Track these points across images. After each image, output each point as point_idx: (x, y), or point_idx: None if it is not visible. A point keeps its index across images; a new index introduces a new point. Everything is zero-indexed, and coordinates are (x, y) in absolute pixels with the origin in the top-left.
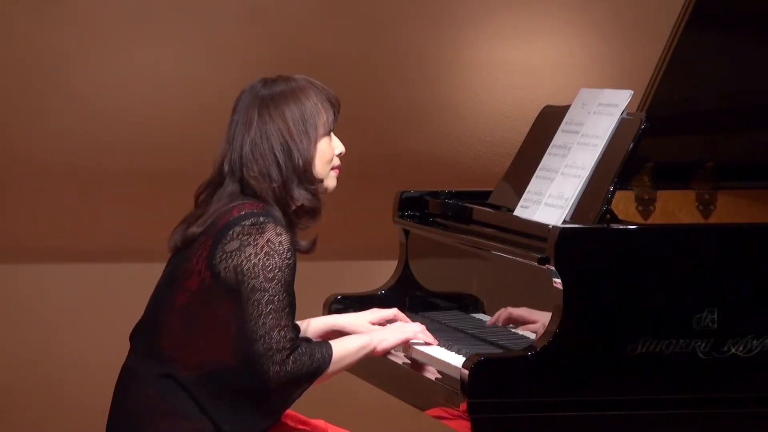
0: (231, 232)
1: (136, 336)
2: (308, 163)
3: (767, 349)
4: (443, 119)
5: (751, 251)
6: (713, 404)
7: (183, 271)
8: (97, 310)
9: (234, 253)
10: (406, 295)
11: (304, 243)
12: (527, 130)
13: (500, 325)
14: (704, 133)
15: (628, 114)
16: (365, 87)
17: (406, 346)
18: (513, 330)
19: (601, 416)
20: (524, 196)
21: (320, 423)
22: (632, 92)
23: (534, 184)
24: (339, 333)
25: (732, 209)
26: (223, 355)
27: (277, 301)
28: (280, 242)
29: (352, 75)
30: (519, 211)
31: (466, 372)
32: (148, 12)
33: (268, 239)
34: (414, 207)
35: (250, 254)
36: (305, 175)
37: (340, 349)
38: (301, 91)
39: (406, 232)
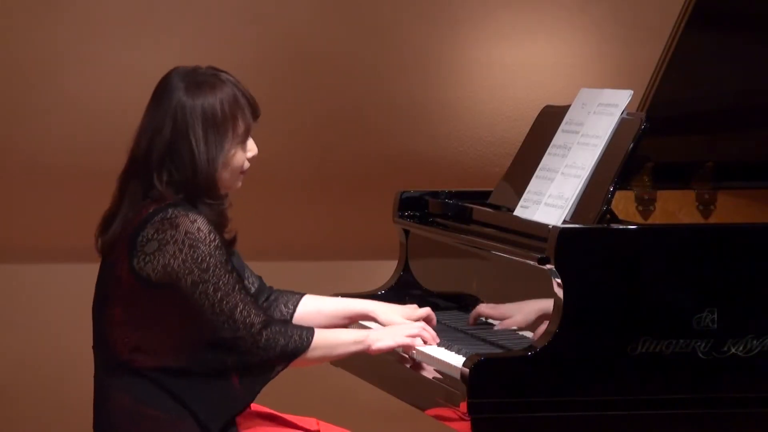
0: (144, 233)
1: (95, 347)
2: (212, 179)
3: (767, 349)
4: (443, 119)
5: (751, 251)
6: (713, 404)
7: (113, 281)
8: None
9: (156, 254)
10: (406, 295)
11: (225, 236)
12: (527, 130)
13: (471, 323)
14: (704, 133)
15: (628, 114)
16: (365, 87)
17: (406, 346)
18: (513, 330)
19: (601, 416)
20: (524, 196)
21: (311, 421)
22: (632, 92)
23: (534, 184)
24: (371, 320)
25: (732, 209)
26: (183, 346)
27: (224, 285)
28: (198, 228)
29: (352, 75)
30: (519, 211)
31: (466, 372)
32: (147, 12)
33: (186, 231)
34: (414, 207)
35: (174, 252)
36: (209, 191)
37: (331, 337)
38: (223, 95)
39: (406, 232)
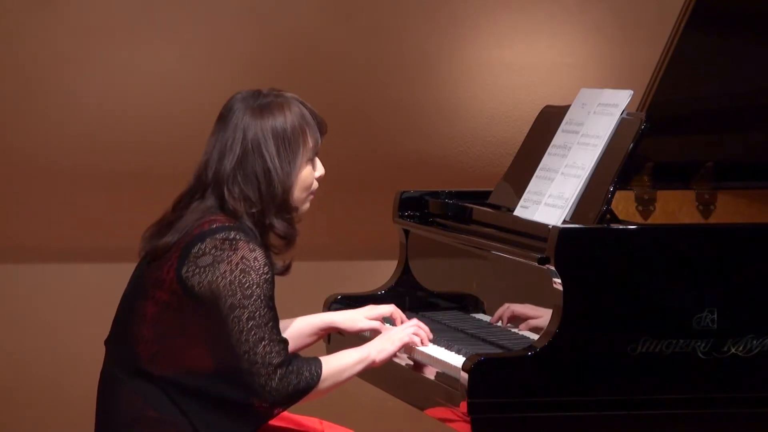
0: (202, 245)
1: (111, 343)
2: (287, 193)
3: (767, 349)
4: (444, 119)
5: (751, 251)
6: (713, 404)
7: (153, 280)
8: (96, 310)
9: (207, 268)
10: (406, 295)
11: (279, 265)
12: (527, 130)
13: (504, 323)
14: (704, 133)
15: (628, 114)
16: (365, 87)
17: (406, 346)
18: (513, 330)
19: (601, 416)
20: (524, 196)
21: (315, 422)
22: (632, 92)
23: (534, 184)
24: (336, 330)
25: (732, 209)
26: (202, 364)
27: (259, 317)
28: (255, 258)
29: (352, 75)
30: (519, 211)
31: (466, 372)
32: (147, 12)
33: (243, 256)
34: (414, 207)
35: (225, 271)
36: (283, 205)
37: (335, 364)
38: (290, 112)
39: (406, 232)
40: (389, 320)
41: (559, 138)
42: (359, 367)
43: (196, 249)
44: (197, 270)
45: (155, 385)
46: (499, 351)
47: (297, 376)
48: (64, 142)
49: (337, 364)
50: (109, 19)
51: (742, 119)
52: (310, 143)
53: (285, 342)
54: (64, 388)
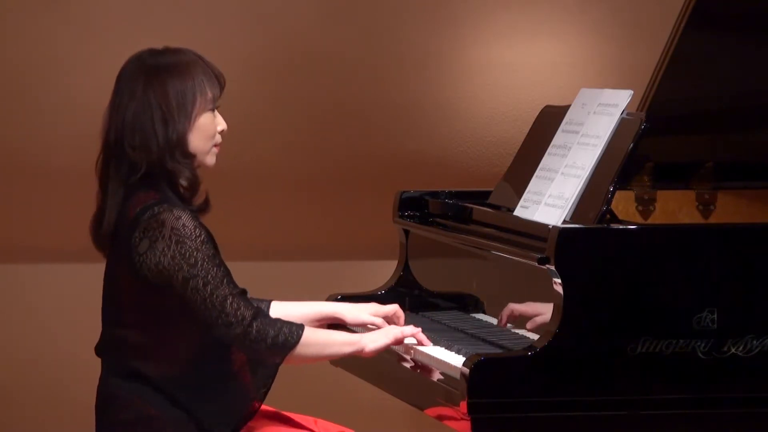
0: (136, 234)
1: (102, 352)
2: (182, 137)
3: (767, 349)
4: (443, 119)
5: (751, 251)
6: (713, 404)
7: (117, 289)
8: (96, 310)
9: (148, 252)
10: (406, 295)
11: (198, 203)
12: (527, 130)
13: (503, 322)
14: (704, 133)
15: (628, 114)
16: (365, 87)
17: (406, 346)
18: (513, 330)
19: (601, 416)
20: (524, 196)
21: (310, 422)
22: (632, 92)
23: (534, 184)
24: (338, 320)
25: (732, 209)
26: (188, 346)
27: (212, 278)
28: (183, 225)
29: (352, 75)
30: (519, 211)
31: (466, 372)
32: (147, 12)
33: (172, 227)
34: (414, 207)
35: (163, 248)
36: (178, 149)
37: (323, 335)
38: (187, 65)
39: (406, 232)
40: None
41: (559, 138)
42: (347, 349)
43: (133, 239)
44: (141, 258)
45: (153, 387)
46: (499, 351)
47: (275, 330)
48: (63, 142)
49: (324, 336)
50: (109, 19)
51: (742, 119)
52: (209, 94)
53: (245, 291)
54: (64, 388)
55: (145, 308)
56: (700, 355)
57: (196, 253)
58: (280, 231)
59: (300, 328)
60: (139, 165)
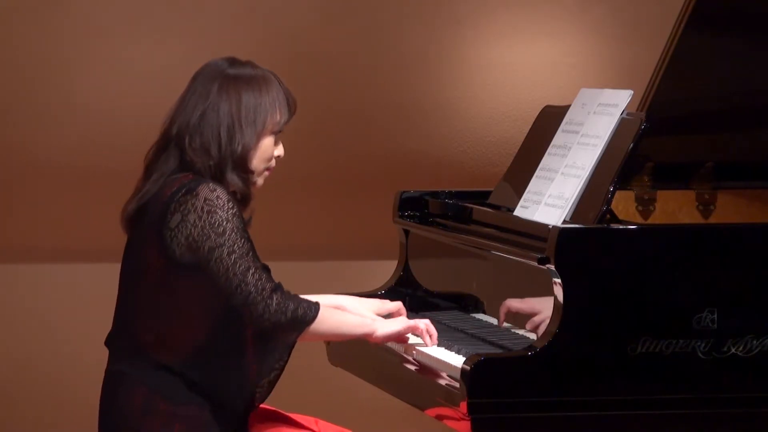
0: (169, 210)
1: (113, 341)
2: (246, 152)
3: (767, 349)
4: (443, 119)
5: (751, 251)
6: (713, 404)
7: (138, 269)
8: (96, 310)
9: (179, 226)
10: (406, 295)
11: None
12: (527, 130)
13: (501, 320)
14: (704, 133)
15: (628, 114)
16: (365, 87)
17: (407, 346)
18: (513, 330)
19: (601, 416)
20: (524, 196)
21: (311, 422)
22: (632, 92)
23: (534, 184)
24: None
25: (732, 209)
26: (203, 328)
27: (238, 249)
28: (218, 196)
29: (352, 75)
30: (519, 211)
31: (467, 372)
32: (147, 12)
33: (205, 198)
34: (414, 207)
35: (194, 220)
36: (240, 162)
37: (337, 315)
38: (265, 82)
39: (406, 232)
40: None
41: (559, 138)
42: (359, 331)
43: (167, 217)
44: (172, 234)
45: (164, 371)
46: (499, 351)
47: (294, 303)
48: (63, 141)
49: (339, 316)
50: (109, 19)
51: (742, 119)
52: (278, 117)
53: (268, 268)
54: (64, 387)
55: (166, 290)
56: (700, 355)
57: (226, 223)
58: (280, 231)
59: (317, 305)
60: (193, 164)
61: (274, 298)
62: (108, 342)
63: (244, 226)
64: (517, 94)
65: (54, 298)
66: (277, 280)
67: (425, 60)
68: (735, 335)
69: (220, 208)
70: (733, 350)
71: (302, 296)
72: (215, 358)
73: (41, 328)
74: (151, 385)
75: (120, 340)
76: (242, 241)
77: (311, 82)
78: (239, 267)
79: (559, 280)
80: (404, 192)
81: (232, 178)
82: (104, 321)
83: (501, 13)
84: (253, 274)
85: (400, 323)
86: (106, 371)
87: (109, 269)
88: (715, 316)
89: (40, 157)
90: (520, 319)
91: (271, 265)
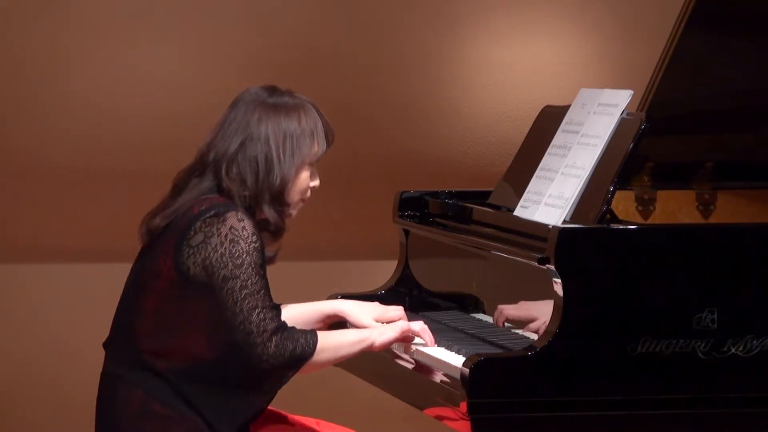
0: (193, 227)
1: (111, 343)
2: (283, 185)
3: (767, 349)
4: (443, 119)
5: (751, 251)
6: (713, 404)
7: (150, 273)
8: (96, 310)
9: (200, 246)
10: (406, 295)
11: (268, 253)
12: (527, 130)
13: (500, 324)
14: (704, 133)
15: (628, 114)
16: (365, 87)
17: (406, 346)
18: (513, 330)
19: (601, 416)
20: (524, 196)
21: (312, 422)
22: (632, 92)
23: (534, 184)
24: (342, 319)
25: (732, 209)
26: (203, 348)
27: (251, 285)
28: (243, 227)
29: (352, 75)
30: (519, 211)
31: (466, 372)
32: (148, 12)
33: (231, 226)
34: (414, 207)
35: (215, 245)
36: (278, 196)
37: (333, 339)
38: (306, 111)
39: (406, 232)
40: None
41: (559, 138)
42: (358, 348)
43: (190, 231)
44: (191, 251)
45: (160, 379)
46: (499, 351)
47: (293, 342)
48: (63, 141)
49: (335, 339)
50: (109, 19)
51: (742, 119)
52: (316, 148)
53: (277, 308)
54: (64, 387)
55: (172, 303)
56: (700, 355)
57: (245, 256)
58: None
59: (314, 335)
60: (229, 191)
61: (273, 341)
62: (106, 344)
63: (263, 262)
64: (517, 94)
65: (54, 298)
66: (272, 285)
67: (425, 60)
68: (735, 335)
69: (244, 240)
70: (733, 350)
71: (300, 329)
72: (211, 380)
73: (41, 328)
74: (147, 390)
75: (117, 343)
76: (257, 278)
77: (311, 82)
78: (247, 304)
79: (559, 280)
80: (404, 192)
81: (269, 211)
82: (104, 321)
83: (501, 13)
84: (258, 314)
85: (396, 329)
86: (103, 373)
87: (109, 269)
88: (715, 316)
89: (40, 157)
90: (518, 321)
91: (270, 265)
